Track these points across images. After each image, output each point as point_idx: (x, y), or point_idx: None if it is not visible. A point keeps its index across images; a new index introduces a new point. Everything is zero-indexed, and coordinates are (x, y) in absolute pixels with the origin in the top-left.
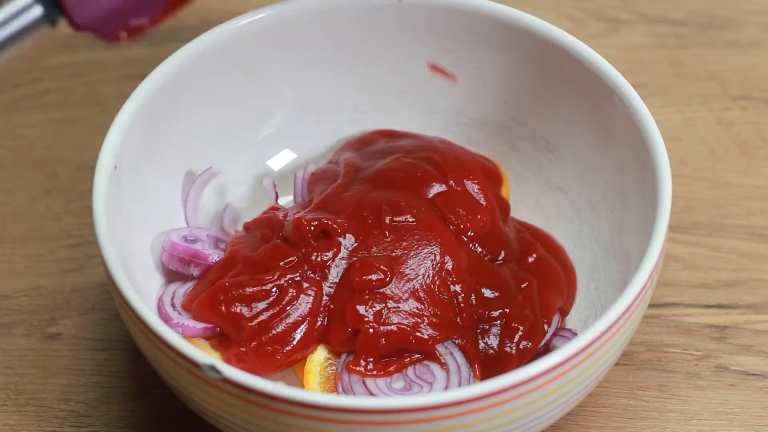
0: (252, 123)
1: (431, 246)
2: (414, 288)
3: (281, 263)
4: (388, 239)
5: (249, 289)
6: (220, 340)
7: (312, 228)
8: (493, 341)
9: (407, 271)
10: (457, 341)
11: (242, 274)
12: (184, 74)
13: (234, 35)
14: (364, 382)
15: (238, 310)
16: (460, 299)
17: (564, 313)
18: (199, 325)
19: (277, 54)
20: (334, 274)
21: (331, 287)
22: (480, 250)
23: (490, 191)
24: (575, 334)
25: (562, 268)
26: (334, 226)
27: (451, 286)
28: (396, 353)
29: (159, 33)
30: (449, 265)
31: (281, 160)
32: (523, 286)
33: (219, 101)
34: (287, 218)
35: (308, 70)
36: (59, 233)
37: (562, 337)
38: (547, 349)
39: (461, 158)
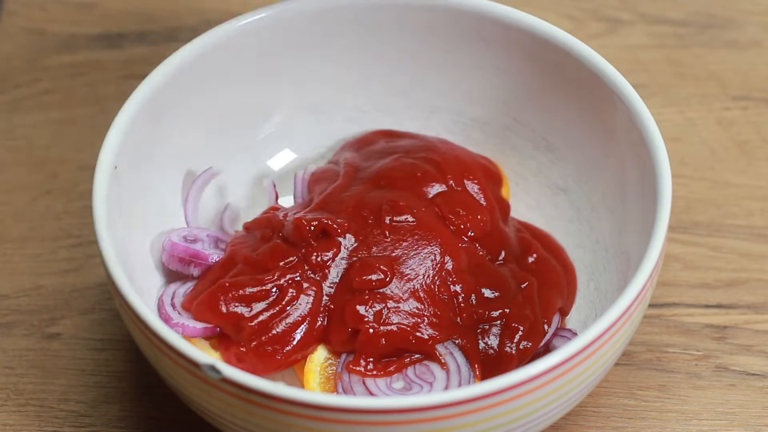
0: (252, 123)
1: (431, 246)
2: (414, 288)
3: (281, 263)
4: (388, 239)
5: (249, 289)
6: (219, 340)
7: (312, 228)
8: (493, 341)
9: (407, 271)
10: (457, 341)
11: (242, 274)
12: (184, 74)
13: (234, 35)
14: (364, 382)
15: (237, 310)
16: (460, 299)
17: (564, 313)
18: (199, 325)
19: (277, 54)
20: (334, 274)
21: (331, 287)
22: (480, 250)
23: (490, 191)
24: (575, 334)
25: (562, 268)
26: (334, 226)
27: (451, 286)
28: (396, 353)
29: (159, 33)
30: (449, 265)
31: (281, 160)
32: (523, 286)
33: (219, 101)
34: (287, 218)
35: (308, 70)
36: (59, 233)
37: (562, 337)
38: (547, 350)
39: (461, 158)
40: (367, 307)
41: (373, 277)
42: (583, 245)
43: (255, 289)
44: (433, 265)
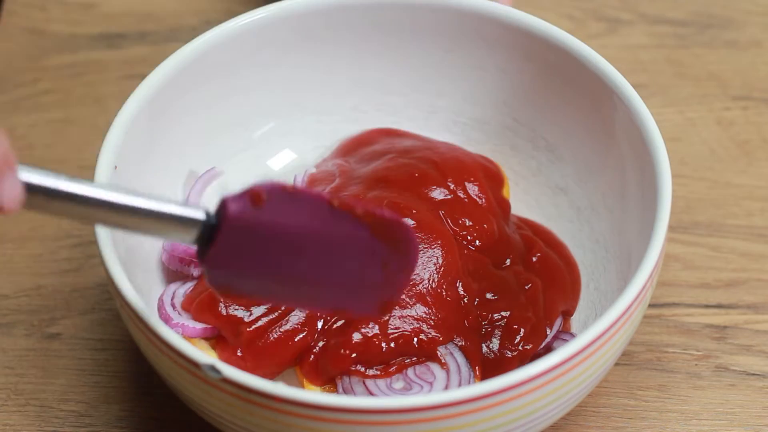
0: (252, 123)
1: (432, 249)
2: (418, 292)
3: None
4: None
5: None
6: (218, 340)
7: None
8: (494, 342)
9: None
10: (458, 342)
11: None
12: (184, 74)
13: (234, 35)
14: (364, 383)
15: (237, 314)
16: (464, 302)
17: (569, 314)
18: (199, 326)
19: (277, 54)
20: None
21: None
22: (485, 256)
23: (491, 192)
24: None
25: (565, 265)
26: None
27: (454, 288)
28: (398, 356)
29: (159, 33)
30: (452, 268)
31: (281, 160)
32: (527, 287)
33: (219, 101)
34: None
35: (308, 69)
36: (59, 233)
37: (563, 340)
38: (548, 351)
39: (461, 159)
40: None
41: None
42: (583, 245)
43: None
44: (436, 268)
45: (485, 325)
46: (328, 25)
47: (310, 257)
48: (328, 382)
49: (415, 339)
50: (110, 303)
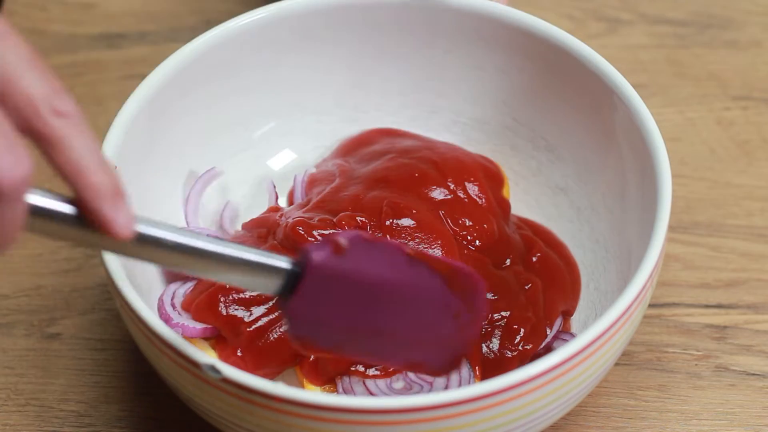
0: (252, 123)
1: (433, 249)
2: None
3: None
4: None
5: (248, 293)
6: (218, 340)
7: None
8: (494, 342)
9: None
10: None
11: None
12: (184, 74)
13: (234, 35)
14: (364, 383)
15: (237, 314)
16: None
17: (569, 314)
18: (199, 326)
19: (277, 54)
20: None
21: None
22: (485, 256)
23: (491, 192)
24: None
25: (565, 264)
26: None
27: None
28: None
29: (159, 33)
30: None
31: (281, 160)
32: (527, 287)
33: (219, 101)
34: (286, 218)
35: (308, 69)
36: None
37: (563, 340)
38: (548, 351)
39: (461, 159)
40: None
41: None
42: (583, 245)
43: (254, 293)
44: None
45: (485, 325)
46: (328, 25)
47: (387, 307)
48: (328, 382)
49: None
50: (110, 303)
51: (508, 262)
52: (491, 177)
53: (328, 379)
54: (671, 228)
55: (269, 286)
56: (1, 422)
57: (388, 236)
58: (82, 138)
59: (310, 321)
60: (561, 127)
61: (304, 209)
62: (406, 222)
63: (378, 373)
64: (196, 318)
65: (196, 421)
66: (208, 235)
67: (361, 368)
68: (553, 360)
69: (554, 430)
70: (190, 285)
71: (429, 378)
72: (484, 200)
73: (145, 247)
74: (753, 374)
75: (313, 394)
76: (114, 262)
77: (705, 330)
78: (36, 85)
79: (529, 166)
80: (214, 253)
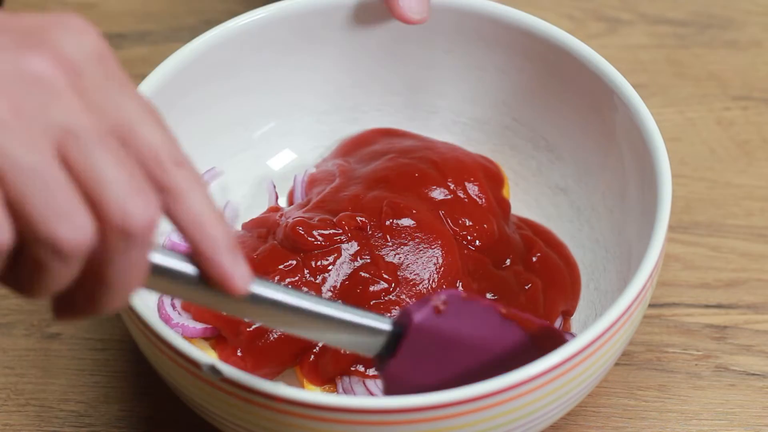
0: (252, 123)
1: (432, 249)
2: (418, 293)
3: (280, 266)
4: (390, 243)
5: None
6: (218, 340)
7: (315, 240)
8: None
9: (411, 276)
10: None
11: None
12: (184, 74)
13: (234, 35)
14: (364, 383)
15: None
16: None
17: (569, 314)
18: (199, 326)
19: (276, 54)
20: (335, 276)
21: (331, 291)
22: (485, 257)
23: (491, 192)
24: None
25: (565, 265)
26: (339, 237)
27: (455, 288)
28: None
29: (159, 33)
30: (452, 268)
31: (281, 160)
32: (527, 287)
33: (219, 101)
34: (286, 218)
35: (308, 69)
36: None
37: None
38: None
39: (461, 159)
40: None
41: (377, 288)
42: (583, 245)
43: None
44: (436, 268)
45: None
46: (328, 25)
47: (476, 358)
48: (328, 382)
49: None
50: None
51: (508, 262)
52: (491, 177)
53: (328, 379)
54: (671, 228)
55: (370, 346)
56: (1, 422)
57: (388, 236)
58: (201, 189)
59: (403, 376)
60: (561, 127)
61: (304, 209)
62: (406, 222)
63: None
64: (196, 318)
65: (196, 421)
66: (310, 294)
67: (361, 368)
68: (554, 360)
69: (554, 430)
70: None
71: None
72: (484, 200)
73: (255, 305)
74: (753, 374)
75: (313, 394)
76: None
77: (705, 330)
78: (156, 136)
79: (529, 166)
80: (321, 315)
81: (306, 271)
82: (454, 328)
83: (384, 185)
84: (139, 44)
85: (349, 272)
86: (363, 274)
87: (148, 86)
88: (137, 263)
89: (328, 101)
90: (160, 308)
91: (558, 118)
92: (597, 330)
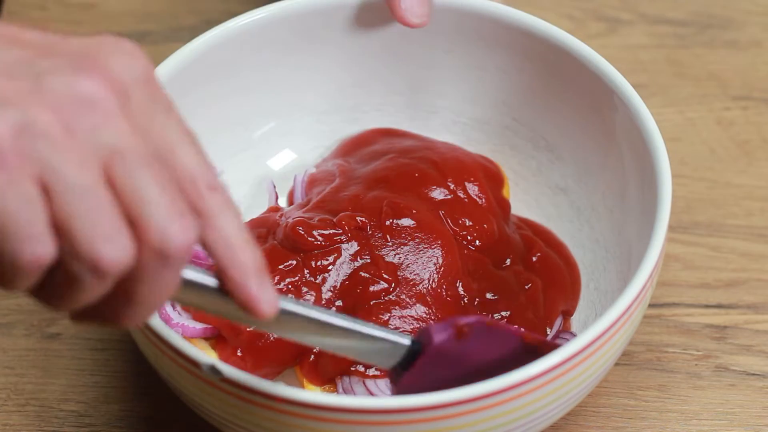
0: (252, 123)
1: (433, 249)
2: (418, 292)
3: (280, 266)
4: (390, 243)
5: None
6: (218, 340)
7: (315, 240)
8: None
9: (411, 276)
10: None
11: None
12: (184, 74)
13: (234, 35)
14: (364, 383)
15: None
16: (464, 302)
17: (569, 314)
18: (199, 326)
19: (277, 54)
20: (335, 276)
21: (331, 291)
22: (485, 257)
23: (491, 193)
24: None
25: (565, 265)
26: (339, 237)
27: (454, 288)
28: None
29: (159, 33)
30: (452, 268)
31: (281, 160)
32: (527, 287)
33: (219, 101)
34: (286, 218)
35: (308, 69)
36: None
37: (563, 339)
38: None
39: (461, 159)
40: (372, 318)
41: (377, 288)
42: (583, 245)
43: None
44: (436, 268)
45: None
46: (328, 25)
47: (487, 372)
48: (328, 382)
49: None
50: None
51: (508, 262)
52: (491, 177)
53: (328, 379)
54: (671, 228)
55: (389, 360)
56: (1, 422)
57: (388, 236)
58: (232, 214)
59: (414, 386)
60: (561, 127)
61: (304, 209)
62: (406, 222)
63: (378, 373)
64: (196, 318)
65: (196, 421)
66: (331, 309)
67: (361, 368)
68: (554, 360)
69: (554, 430)
70: None
71: None
72: (484, 200)
73: (281, 322)
74: (753, 374)
75: (313, 394)
76: None
77: (705, 330)
78: (194, 159)
79: (529, 166)
80: (345, 329)
81: (306, 271)
82: (473, 350)
83: (384, 185)
84: (139, 44)
85: (349, 272)
86: (363, 274)
87: None
88: (168, 283)
89: (328, 101)
90: (160, 308)
91: (558, 118)
92: (597, 330)
